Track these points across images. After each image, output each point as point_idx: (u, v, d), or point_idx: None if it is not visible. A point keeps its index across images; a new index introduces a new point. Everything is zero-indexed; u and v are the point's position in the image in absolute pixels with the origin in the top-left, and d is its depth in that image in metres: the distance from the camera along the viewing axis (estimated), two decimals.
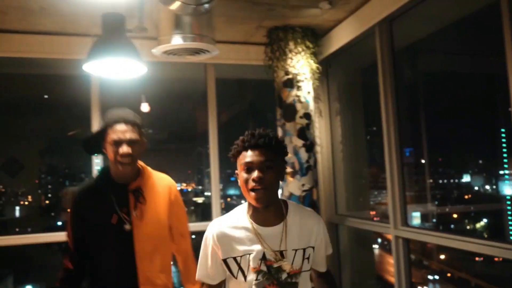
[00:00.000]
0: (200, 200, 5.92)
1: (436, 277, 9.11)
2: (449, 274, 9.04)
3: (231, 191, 5.98)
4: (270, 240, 1.41)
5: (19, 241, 3.39)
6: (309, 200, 3.29)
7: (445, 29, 3.14)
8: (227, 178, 6.00)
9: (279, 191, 2.99)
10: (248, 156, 1.38)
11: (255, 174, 1.35)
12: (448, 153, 7.77)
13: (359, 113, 4.10)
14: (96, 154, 1.92)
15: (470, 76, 4.76)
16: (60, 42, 3.32)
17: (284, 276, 1.40)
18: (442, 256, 9.05)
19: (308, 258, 1.45)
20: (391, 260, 3.00)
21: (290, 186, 3.31)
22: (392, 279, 2.97)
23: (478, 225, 7.65)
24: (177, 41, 1.81)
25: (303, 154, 3.31)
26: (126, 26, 2.40)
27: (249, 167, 1.38)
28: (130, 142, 1.71)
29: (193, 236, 2.21)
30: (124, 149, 1.69)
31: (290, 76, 3.36)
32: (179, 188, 2.11)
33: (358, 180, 4.12)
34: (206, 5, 1.80)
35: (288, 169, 3.31)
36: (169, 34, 1.82)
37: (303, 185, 3.29)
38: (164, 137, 6.40)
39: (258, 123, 4.95)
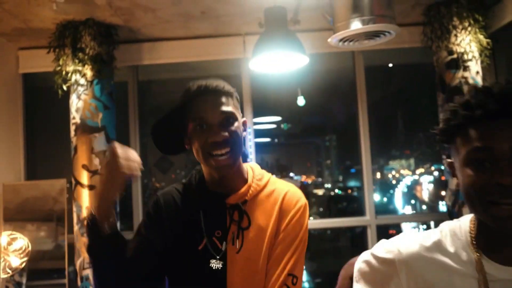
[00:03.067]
0: (320, 192, 5.85)
1: None
2: None
3: (352, 183, 5.79)
4: None
5: None
6: None
7: None
8: (347, 170, 5.78)
9: None
10: (482, 135, 0.74)
11: (507, 178, 0.70)
12: None
13: None
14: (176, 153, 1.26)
15: None
16: (213, 44, 3.46)
17: None
18: None
19: None
20: None
21: None
22: None
23: None
24: (356, 25, 1.69)
25: None
26: (287, 21, 2.37)
27: (483, 159, 0.74)
28: (225, 123, 1.11)
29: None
30: (217, 133, 1.09)
31: (454, 56, 3.01)
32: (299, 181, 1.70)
33: None
34: None
35: None
36: (347, 19, 1.71)
37: None
38: (297, 131, 6.41)
39: (408, 112, 4.62)
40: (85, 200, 2.98)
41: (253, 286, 1.10)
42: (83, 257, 2.95)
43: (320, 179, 6.31)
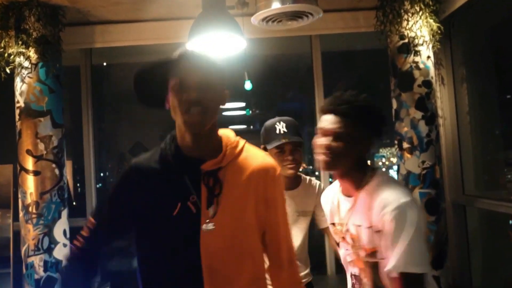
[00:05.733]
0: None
1: None
2: None
3: None
4: (348, 211, 1.37)
5: None
6: (431, 179, 2.93)
7: None
8: None
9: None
10: (321, 120, 1.34)
11: (320, 140, 1.32)
12: None
13: (490, 79, 3.53)
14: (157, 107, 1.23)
15: None
16: (168, 26, 3.39)
17: (363, 253, 1.32)
18: None
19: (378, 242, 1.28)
20: None
21: (408, 163, 2.97)
22: None
23: None
24: (277, 5, 1.66)
25: (423, 127, 2.94)
26: (225, 2, 2.32)
27: (318, 133, 1.34)
28: (201, 86, 1.10)
29: None
30: (192, 95, 1.09)
31: (405, 40, 2.99)
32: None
33: (490, 156, 3.58)
34: None
35: (405, 145, 2.98)
36: None
37: (423, 162, 2.93)
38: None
39: (369, 96, 4.60)
40: (30, 186, 2.93)
41: (235, 248, 1.13)
42: (28, 244, 2.90)
43: (311, 167, 6.29)
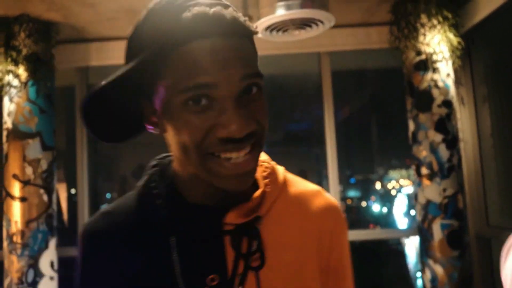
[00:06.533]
0: None
1: None
2: None
3: (351, 193, 5.66)
4: None
5: None
6: (453, 209, 2.64)
7: None
8: (346, 180, 5.56)
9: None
10: None
11: None
12: None
13: None
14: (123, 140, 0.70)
15: None
16: None
17: None
18: None
19: None
20: None
21: (428, 191, 2.70)
22: None
23: None
24: (281, 11, 1.43)
25: (444, 152, 2.68)
26: None
27: None
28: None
29: None
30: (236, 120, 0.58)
31: (423, 57, 2.76)
32: None
33: None
34: None
35: (424, 171, 2.71)
36: (271, 5, 1.45)
37: (444, 190, 2.65)
38: (279, 138, 6.17)
39: (381, 117, 4.36)
40: (15, 213, 2.70)
41: None
42: (10, 278, 2.65)
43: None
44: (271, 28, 1.50)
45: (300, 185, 0.74)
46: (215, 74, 0.57)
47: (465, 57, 3.21)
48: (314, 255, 0.68)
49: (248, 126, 0.58)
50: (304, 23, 1.49)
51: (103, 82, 0.62)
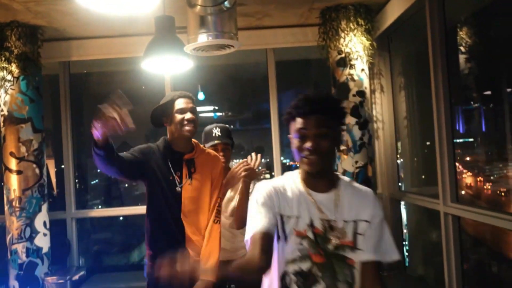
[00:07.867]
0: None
1: None
2: None
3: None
4: (321, 207, 1.31)
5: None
6: (363, 177, 3.36)
7: None
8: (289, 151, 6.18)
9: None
10: (301, 123, 1.28)
11: (309, 144, 1.26)
12: None
13: (427, 86, 3.96)
14: (158, 127, 2.09)
15: None
16: (131, 42, 3.73)
17: (331, 247, 1.28)
18: None
19: (361, 234, 1.30)
20: None
21: (344, 163, 3.41)
22: None
23: None
24: (202, 39, 2.07)
25: (356, 132, 3.38)
26: (174, 26, 2.73)
27: (302, 135, 1.28)
28: (192, 111, 2.00)
29: None
30: (189, 115, 1.98)
31: (342, 55, 3.42)
32: None
33: (427, 156, 4.02)
34: (225, 3, 2.02)
35: (342, 147, 3.41)
36: (196, 33, 2.09)
37: (356, 162, 3.37)
38: (249, 117, 6.81)
39: None
40: (13, 183, 3.35)
41: (197, 204, 2.04)
42: (12, 234, 3.33)
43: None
44: (196, 49, 2.15)
45: (208, 150, 2.21)
46: (185, 105, 2.07)
47: (385, 53, 3.89)
48: (209, 174, 2.09)
49: (193, 116, 2.10)
50: (220, 46, 2.13)
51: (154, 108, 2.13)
